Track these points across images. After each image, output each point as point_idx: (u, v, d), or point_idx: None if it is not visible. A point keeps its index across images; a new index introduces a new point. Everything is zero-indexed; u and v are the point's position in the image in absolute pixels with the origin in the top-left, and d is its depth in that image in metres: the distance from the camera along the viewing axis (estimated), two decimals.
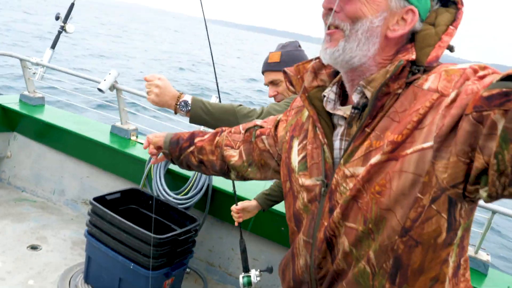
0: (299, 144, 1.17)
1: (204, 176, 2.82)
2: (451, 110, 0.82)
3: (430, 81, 0.90)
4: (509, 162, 0.70)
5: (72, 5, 3.50)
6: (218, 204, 2.93)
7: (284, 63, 2.11)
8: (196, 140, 1.51)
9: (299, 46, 2.23)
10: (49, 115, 3.69)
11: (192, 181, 2.83)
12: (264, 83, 2.24)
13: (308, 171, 1.10)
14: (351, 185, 0.97)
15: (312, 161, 1.10)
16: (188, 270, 3.02)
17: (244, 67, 30.93)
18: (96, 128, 3.55)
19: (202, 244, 3.07)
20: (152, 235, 2.26)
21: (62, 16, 3.49)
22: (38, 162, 3.67)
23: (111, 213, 2.39)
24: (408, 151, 0.88)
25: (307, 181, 1.10)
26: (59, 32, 3.48)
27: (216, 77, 2.35)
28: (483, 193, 0.79)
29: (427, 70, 0.94)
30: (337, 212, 0.99)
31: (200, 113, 1.89)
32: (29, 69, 3.64)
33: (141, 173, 3.06)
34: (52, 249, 2.94)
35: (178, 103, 1.87)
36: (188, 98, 1.89)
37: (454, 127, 0.81)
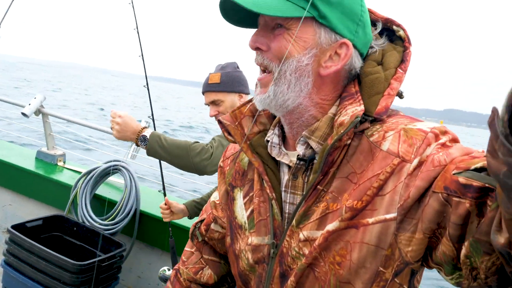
0: (244, 197, 1.07)
1: (131, 200, 2.83)
2: (416, 181, 0.79)
3: (389, 141, 0.84)
4: (482, 269, 0.69)
5: None
6: (146, 228, 2.93)
7: (224, 83, 2.20)
8: None
9: (237, 67, 2.30)
10: None
11: (120, 206, 2.83)
12: (204, 102, 2.29)
13: (255, 228, 1.01)
14: (306, 250, 0.90)
15: (260, 217, 1.01)
16: None
17: (177, 118, 31.01)
18: (20, 153, 3.45)
19: (131, 271, 3.04)
20: (72, 261, 2.24)
21: None
22: None
23: (30, 241, 2.34)
24: (370, 220, 0.83)
25: (254, 240, 1.01)
26: None
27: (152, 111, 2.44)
28: (450, 280, 0.79)
29: (377, 120, 0.89)
30: (291, 280, 0.92)
31: (156, 148, 2.00)
32: None
33: (67, 199, 3.01)
34: None
35: (138, 137, 2.00)
36: (148, 133, 2.01)
37: (418, 199, 0.79)
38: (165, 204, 2.34)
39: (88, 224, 2.79)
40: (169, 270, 2.33)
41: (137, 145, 2.04)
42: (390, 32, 0.96)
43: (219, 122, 1.02)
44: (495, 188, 0.65)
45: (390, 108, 0.91)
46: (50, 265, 2.28)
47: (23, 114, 2.96)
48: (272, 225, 0.97)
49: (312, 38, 0.87)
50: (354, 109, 0.86)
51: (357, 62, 0.91)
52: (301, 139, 0.93)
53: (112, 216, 2.81)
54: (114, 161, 2.94)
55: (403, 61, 0.90)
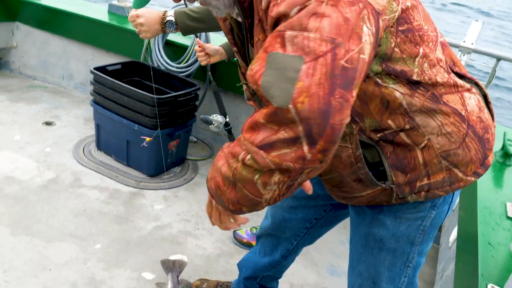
0: None
1: (202, 42, 2.95)
2: None
3: None
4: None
5: None
6: (220, 73, 3.08)
7: None
8: None
9: None
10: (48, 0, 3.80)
11: (191, 49, 2.97)
12: None
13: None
14: None
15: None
16: (195, 139, 3.30)
17: None
18: (94, 8, 3.66)
19: (208, 114, 3.30)
20: (150, 95, 2.47)
21: None
22: (44, 50, 3.87)
23: (112, 79, 2.60)
24: None
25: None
26: None
27: None
28: None
29: None
30: None
31: (189, 24, 1.97)
32: None
33: (141, 48, 3.22)
34: (66, 125, 3.24)
35: (165, 25, 1.99)
36: (171, 16, 1.98)
37: None
38: (199, 47, 2.28)
39: (163, 68, 3.00)
40: (216, 116, 2.47)
41: (165, 32, 2.02)
42: None
43: None
44: None
45: None
46: (132, 100, 2.55)
47: None
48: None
49: None
50: None
51: None
52: None
53: (186, 59, 2.99)
54: (181, 5, 3.01)
55: None
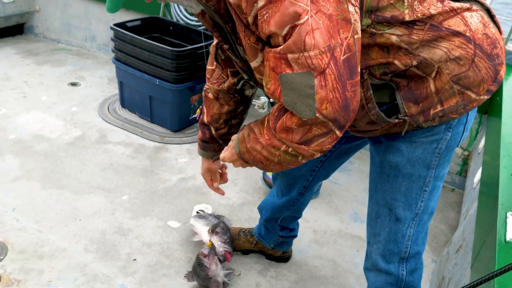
0: None
1: None
2: None
3: None
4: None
5: None
6: None
7: None
8: (206, 122, 1.50)
9: None
10: None
11: None
12: None
13: None
14: None
15: None
16: None
17: None
18: None
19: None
20: (170, 48, 2.48)
21: None
22: (65, 12, 3.92)
23: (131, 34, 2.62)
24: None
25: None
26: None
27: None
28: None
29: None
30: None
31: None
32: None
33: (161, 4, 3.22)
34: (91, 85, 3.31)
35: None
36: None
37: None
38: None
39: (183, 22, 2.99)
40: (259, 98, 2.48)
41: None
42: None
43: None
44: None
45: None
46: (153, 55, 2.57)
47: None
48: None
49: None
50: None
51: None
52: None
53: None
54: None
55: None
